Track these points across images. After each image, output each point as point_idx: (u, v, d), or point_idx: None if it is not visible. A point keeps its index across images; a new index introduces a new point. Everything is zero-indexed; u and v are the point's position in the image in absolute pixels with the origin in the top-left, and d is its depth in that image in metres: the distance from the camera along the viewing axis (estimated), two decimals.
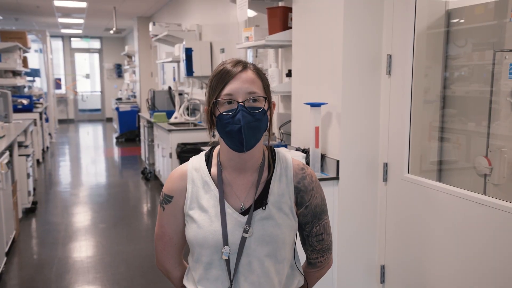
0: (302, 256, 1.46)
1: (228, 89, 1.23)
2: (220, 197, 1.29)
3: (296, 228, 1.35)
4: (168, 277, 1.49)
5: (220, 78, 1.25)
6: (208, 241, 1.27)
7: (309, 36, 2.78)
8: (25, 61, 8.52)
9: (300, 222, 1.36)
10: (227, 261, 1.27)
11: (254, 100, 1.24)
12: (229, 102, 1.24)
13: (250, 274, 1.27)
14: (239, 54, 4.41)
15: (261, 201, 1.30)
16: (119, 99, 12.07)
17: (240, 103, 1.22)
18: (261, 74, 1.29)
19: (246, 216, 1.28)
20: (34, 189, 5.75)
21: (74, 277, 3.46)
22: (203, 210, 1.30)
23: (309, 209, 1.35)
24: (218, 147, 1.37)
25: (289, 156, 1.39)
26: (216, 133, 1.32)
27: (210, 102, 1.27)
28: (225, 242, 1.26)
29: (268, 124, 1.30)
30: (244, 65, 1.27)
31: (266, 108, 1.27)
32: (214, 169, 1.34)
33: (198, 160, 1.37)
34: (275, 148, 1.38)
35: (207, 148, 1.45)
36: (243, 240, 1.26)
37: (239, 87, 1.23)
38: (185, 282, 1.39)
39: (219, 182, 1.31)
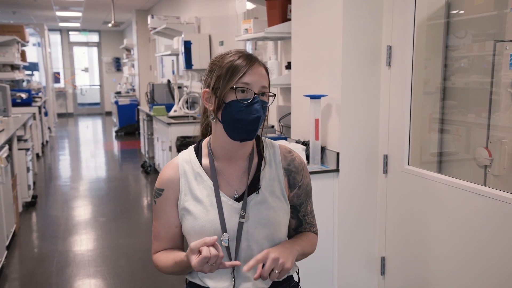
0: None
1: (247, 78, 1.26)
2: (215, 186, 1.32)
3: (289, 211, 1.39)
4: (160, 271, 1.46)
5: (238, 66, 1.27)
6: (206, 231, 1.29)
7: (309, 28, 2.77)
8: (23, 55, 8.49)
9: (295, 204, 1.40)
10: (227, 248, 1.29)
11: (263, 95, 1.29)
12: (242, 91, 1.26)
13: (250, 258, 1.28)
14: (238, 47, 4.39)
15: (253, 186, 1.34)
16: (118, 92, 12.04)
17: (256, 94, 1.26)
18: (268, 72, 1.35)
19: (241, 203, 1.31)
20: (34, 183, 5.75)
21: (74, 270, 3.47)
22: (198, 201, 1.32)
23: (302, 188, 1.41)
24: (206, 139, 1.40)
25: (275, 142, 1.44)
26: (208, 124, 1.36)
27: (222, 87, 1.27)
28: (223, 229, 1.29)
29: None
30: (256, 59, 1.31)
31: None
32: (205, 160, 1.37)
33: (188, 153, 1.40)
34: (261, 137, 1.41)
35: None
36: (241, 225, 1.29)
37: (257, 79, 1.27)
38: (189, 278, 1.39)
39: (212, 171, 1.34)
